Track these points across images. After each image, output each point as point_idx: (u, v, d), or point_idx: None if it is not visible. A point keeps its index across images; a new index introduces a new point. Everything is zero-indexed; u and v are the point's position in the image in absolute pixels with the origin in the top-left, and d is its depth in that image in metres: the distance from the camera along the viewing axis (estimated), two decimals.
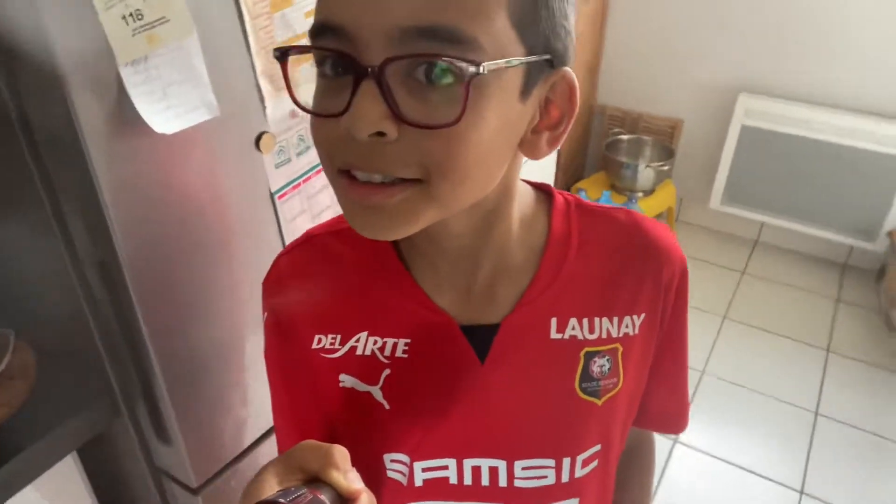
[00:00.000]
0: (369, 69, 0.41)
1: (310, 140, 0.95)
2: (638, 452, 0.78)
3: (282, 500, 0.40)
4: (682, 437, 2.05)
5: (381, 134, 0.42)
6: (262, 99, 0.91)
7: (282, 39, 0.90)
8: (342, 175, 0.46)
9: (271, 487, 0.43)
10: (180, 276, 0.91)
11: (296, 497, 0.41)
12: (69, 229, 0.86)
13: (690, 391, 0.87)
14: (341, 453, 0.45)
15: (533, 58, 0.45)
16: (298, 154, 0.99)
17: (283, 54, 0.46)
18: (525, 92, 0.46)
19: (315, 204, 1.04)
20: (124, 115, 0.77)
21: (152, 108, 0.77)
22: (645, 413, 0.69)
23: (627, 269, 0.61)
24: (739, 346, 2.40)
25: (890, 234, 2.48)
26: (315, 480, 0.44)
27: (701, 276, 2.70)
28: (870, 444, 2.03)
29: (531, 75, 0.46)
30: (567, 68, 0.48)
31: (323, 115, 0.45)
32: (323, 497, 0.42)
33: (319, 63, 0.45)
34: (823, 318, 2.53)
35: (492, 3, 0.42)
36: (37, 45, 0.70)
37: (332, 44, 0.43)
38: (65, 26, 0.69)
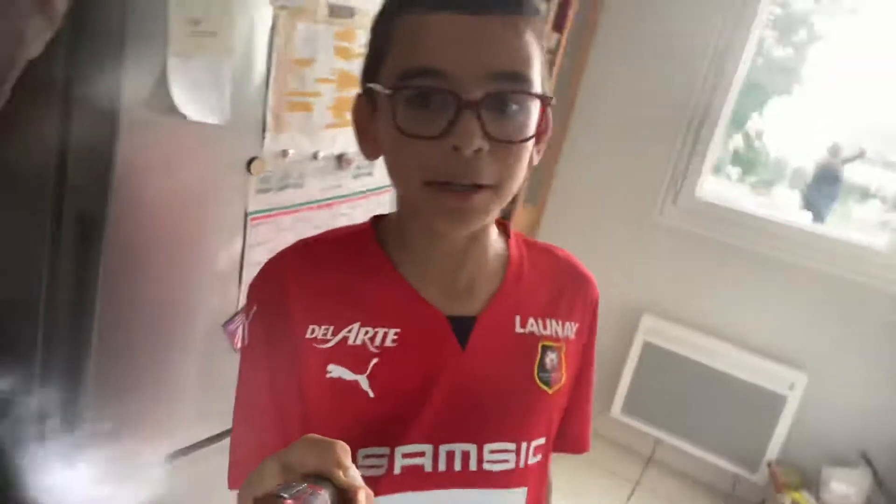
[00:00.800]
0: (469, 101, 0.58)
1: (291, 180, 1.12)
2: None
3: (283, 495, 0.40)
4: None
5: (478, 150, 0.58)
6: (264, 129, 1.08)
7: (293, 89, 1.10)
8: (429, 187, 0.61)
9: (271, 482, 0.44)
10: (149, 267, 1.00)
11: (296, 492, 0.41)
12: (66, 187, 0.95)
13: None
14: (342, 449, 0.47)
15: (548, 93, 0.65)
16: (279, 189, 1.14)
17: (393, 92, 0.61)
18: (540, 119, 0.65)
19: (280, 239, 1.17)
20: (158, 98, 0.92)
21: (181, 96, 0.94)
22: (564, 436, 0.81)
23: (565, 286, 0.78)
24: None
25: (769, 465, 2.65)
26: (315, 475, 0.45)
27: (597, 482, 2.77)
28: None
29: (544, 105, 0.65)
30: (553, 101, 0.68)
31: (423, 137, 0.59)
32: (323, 492, 0.43)
33: (409, 99, 0.60)
34: None
35: (535, 56, 0.62)
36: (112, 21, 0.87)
37: (432, 83, 0.59)
38: (139, 9, 0.88)
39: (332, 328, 0.67)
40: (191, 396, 1.15)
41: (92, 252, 0.93)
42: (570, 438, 0.83)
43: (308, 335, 0.66)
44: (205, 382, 1.15)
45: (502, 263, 0.74)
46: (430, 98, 0.60)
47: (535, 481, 0.74)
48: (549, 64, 0.72)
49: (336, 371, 0.66)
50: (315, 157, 1.18)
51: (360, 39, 1.19)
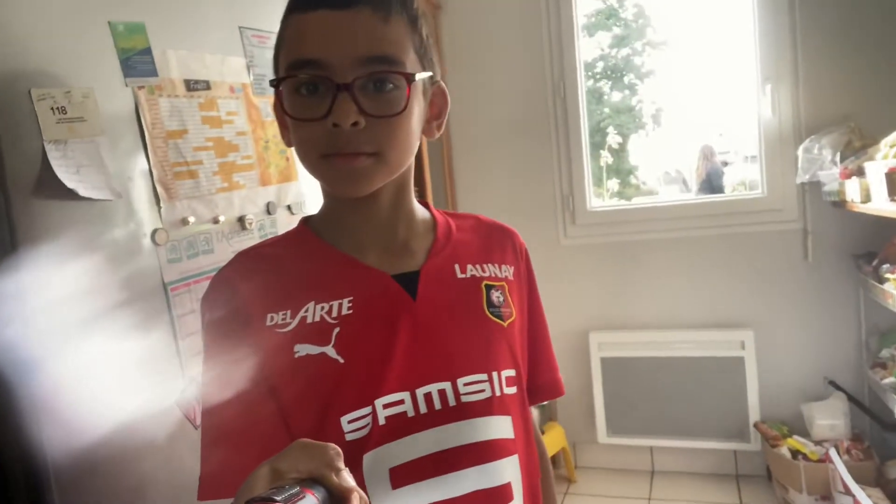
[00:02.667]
0: (343, 85, 0.66)
1: (200, 247, 1.16)
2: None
3: (276, 498, 0.41)
4: None
5: (355, 124, 0.66)
6: (158, 201, 1.13)
7: (174, 160, 1.16)
8: (323, 158, 0.69)
9: (264, 485, 0.45)
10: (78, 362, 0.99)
11: (289, 495, 0.42)
12: None
13: None
14: (335, 452, 0.48)
15: (427, 73, 0.74)
16: (189, 257, 1.17)
17: (277, 84, 0.70)
18: (425, 94, 0.75)
19: None
20: (44, 183, 0.96)
21: (67, 177, 0.98)
22: (537, 387, 0.87)
23: (492, 237, 0.86)
24: None
25: (755, 425, 2.69)
26: (308, 479, 0.46)
27: None
28: None
29: (426, 83, 0.75)
30: (439, 80, 0.78)
31: (309, 119, 0.68)
32: (315, 495, 0.44)
33: (296, 88, 0.69)
34: None
35: (406, 42, 0.70)
36: None
37: (312, 71, 0.67)
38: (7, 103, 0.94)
39: (289, 312, 0.71)
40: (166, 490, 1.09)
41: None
42: (543, 387, 0.89)
43: (268, 323, 0.70)
44: (177, 472, 1.11)
45: (431, 226, 0.82)
46: (315, 85, 0.68)
47: (518, 412, 0.78)
48: (436, 48, 0.85)
49: (303, 349, 0.69)
50: (216, 221, 1.22)
51: (223, 108, 1.28)
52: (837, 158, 2.34)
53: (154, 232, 1.12)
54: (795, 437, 2.54)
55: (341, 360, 0.69)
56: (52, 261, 0.96)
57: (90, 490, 1.00)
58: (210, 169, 1.23)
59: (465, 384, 0.73)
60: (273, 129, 1.39)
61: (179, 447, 1.12)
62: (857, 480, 2.17)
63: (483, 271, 0.81)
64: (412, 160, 0.76)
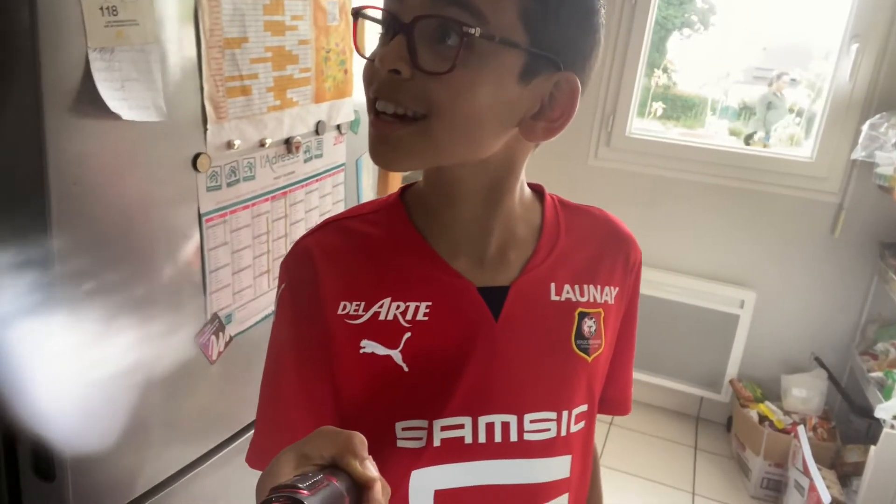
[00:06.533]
0: (403, 24, 0.55)
1: (241, 173, 1.04)
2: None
3: (299, 485, 0.41)
4: None
5: (397, 72, 0.55)
6: (204, 121, 0.99)
7: (228, 74, 1.01)
8: (372, 110, 0.59)
9: (288, 472, 0.44)
10: (104, 280, 0.90)
11: (312, 482, 0.41)
12: None
13: None
14: (359, 440, 0.46)
15: (534, 50, 0.56)
16: (229, 184, 1.05)
17: (356, 14, 0.61)
18: (524, 77, 0.58)
19: (236, 239, 1.09)
20: (84, 98, 0.82)
21: (110, 94, 0.84)
22: (604, 399, 0.78)
23: (604, 250, 0.74)
24: (613, 489, 2.46)
25: (731, 382, 2.76)
26: (331, 466, 0.45)
27: None
28: None
29: (532, 65, 0.57)
30: (572, 73, 0.59)
31: (366, 58, 0.59)
32: (339, 483, 0.43)
33: (382, 22, 0.59)
34: (685, 465, 2.68)
35: None
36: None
37: (389, 5, 0.57)
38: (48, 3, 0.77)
39: (363, 304, 0.65)
40: (167, 421, 1.06)
41: (40, 291, 0.83)
42: (610, 402, 0.82)
43: (340, 311, 0.65)
44: (182, 403, 1.07)
45: (536, 229, 0.71)
46: (388, 24, 0.58)
47: (580, 449, 0.73)
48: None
49: (369, 346, 0.65)
50: (262, 144, 1.10)
51: (289, 11, 1.10)
52: None
53: (196, 157, 0.99)
54: (767, 402, 2.62)
55: (406, 369, 0.64)
56: (83, 191, 0.85)
57: (101, 420, 0.96)
58: (265, 84, 1.08)
59: (532, 421, 0.68)
60: (336, 36, 1.22)
61: (195, 382, 1.08)
62: (816, 459, 2.26)
63: (581, 295, 0.71)
64: (489, 151, 0.62)
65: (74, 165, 0.83)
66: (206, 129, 1.00)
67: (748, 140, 3.21)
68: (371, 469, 0.45)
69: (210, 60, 0.98)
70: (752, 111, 3.67)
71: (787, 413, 2.58)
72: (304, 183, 1.21)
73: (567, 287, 0.70)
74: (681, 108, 3.24)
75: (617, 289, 0.74)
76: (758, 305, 2.71)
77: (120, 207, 0.91)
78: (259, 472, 0.49)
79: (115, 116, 0.85)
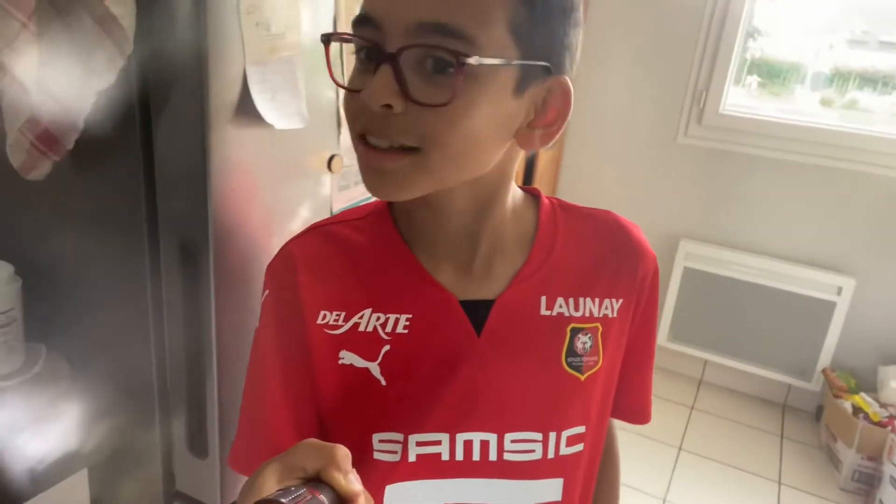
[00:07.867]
0: (388, 54, 0.51)
1: None
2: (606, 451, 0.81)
3: (282, 500, 0.40)
4: None
5: (389, 106, 0.52)
6: (339, 125, 1.03)
7: None
8: (361, 142, 0.56)
9: (271, 486, 0.43)
10: (251, 272, 0.96)
11: (295, 496, 0.41)
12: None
13: None
14: (344, 454, 0.45)
15: (527, 62, 0.54)
16: (356, 182, 1.09)
17: (327, 39, 0.57)
18: (519, 90, 0.55)
19: None
20: (241, 110, 0.87)
21: (264, 105, 0.88)
22: (617, 405, 0.76)
23: (607, 259, 0.69)
24: (695, 475, 2.45)
25: (824, 371, 2.69)
26: (315, 480, 0.44)
27: (654, 409, 2.80)
28: None
29: (525, 76, 0.55)
30: (564, 76, 0.57)
31: (350, 90, 0.56)
32: (322, 497, 0.42)
33: (358, 50, 0.56)
34: (771, 453, 2.64)
35: (494, 12, 0.52)
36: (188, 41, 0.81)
37: (366, 34, 0.53)
38: (214, 26, 0.81)
39: (343, 314, 0.64)
40: None
41: (200, 279, 0.90)
42: (627, 409, 0.78)
43: (319, 321, 0.64)
44: None
45: (529, 236, 0.67)
46: (369, 51, 0.54)
47: (578, 472, 0.70)
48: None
49: (348, 357, 0.64)
50: None
51: None
52: None
53: (331, 158, 1.03)
54: (862, 394, 2.54)
55: (383, 382, 0.63)
56: (236, 194, 0.90)
57: None
58: None
59: (514, 441, 0.65)
60: None
61: None
62: None
63: (575, 309, 0.67)
64: (487, 168, 0.60)
65: (232, 172, 0.89)
66: (339, 132, 1.03)
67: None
68: (355, 483, 0.45)
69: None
70: (846, 79, 3.47)
71: (883, 405, 2.50)
72: None
73: (560, 300, 0.67)
74: (767, 74, 3.10)
75: (621, 301, 0.70)
76: (857, 293, 2.61)
77: (266, 207, 0.97)
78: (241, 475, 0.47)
79: (265, 125, 0.89)
